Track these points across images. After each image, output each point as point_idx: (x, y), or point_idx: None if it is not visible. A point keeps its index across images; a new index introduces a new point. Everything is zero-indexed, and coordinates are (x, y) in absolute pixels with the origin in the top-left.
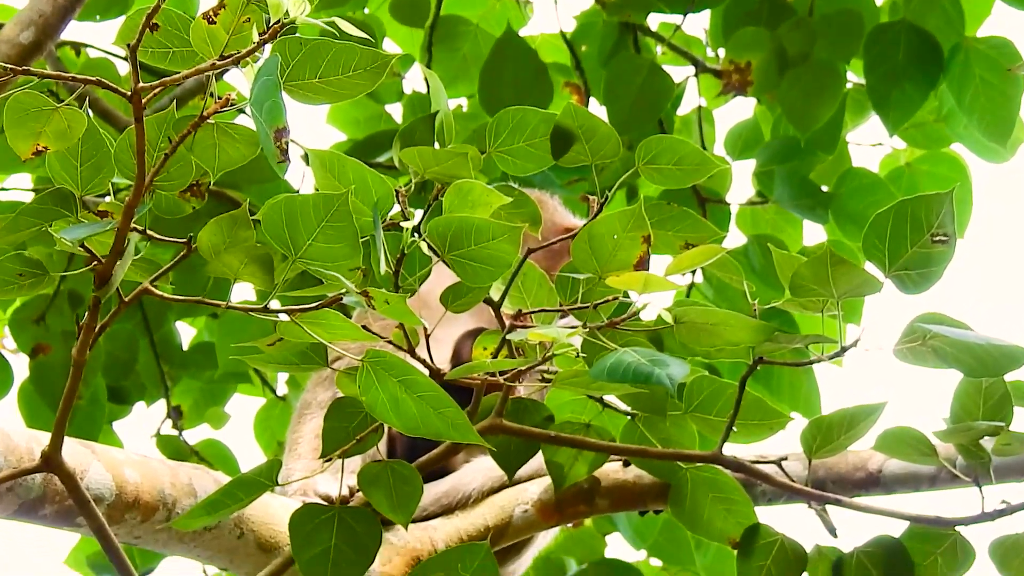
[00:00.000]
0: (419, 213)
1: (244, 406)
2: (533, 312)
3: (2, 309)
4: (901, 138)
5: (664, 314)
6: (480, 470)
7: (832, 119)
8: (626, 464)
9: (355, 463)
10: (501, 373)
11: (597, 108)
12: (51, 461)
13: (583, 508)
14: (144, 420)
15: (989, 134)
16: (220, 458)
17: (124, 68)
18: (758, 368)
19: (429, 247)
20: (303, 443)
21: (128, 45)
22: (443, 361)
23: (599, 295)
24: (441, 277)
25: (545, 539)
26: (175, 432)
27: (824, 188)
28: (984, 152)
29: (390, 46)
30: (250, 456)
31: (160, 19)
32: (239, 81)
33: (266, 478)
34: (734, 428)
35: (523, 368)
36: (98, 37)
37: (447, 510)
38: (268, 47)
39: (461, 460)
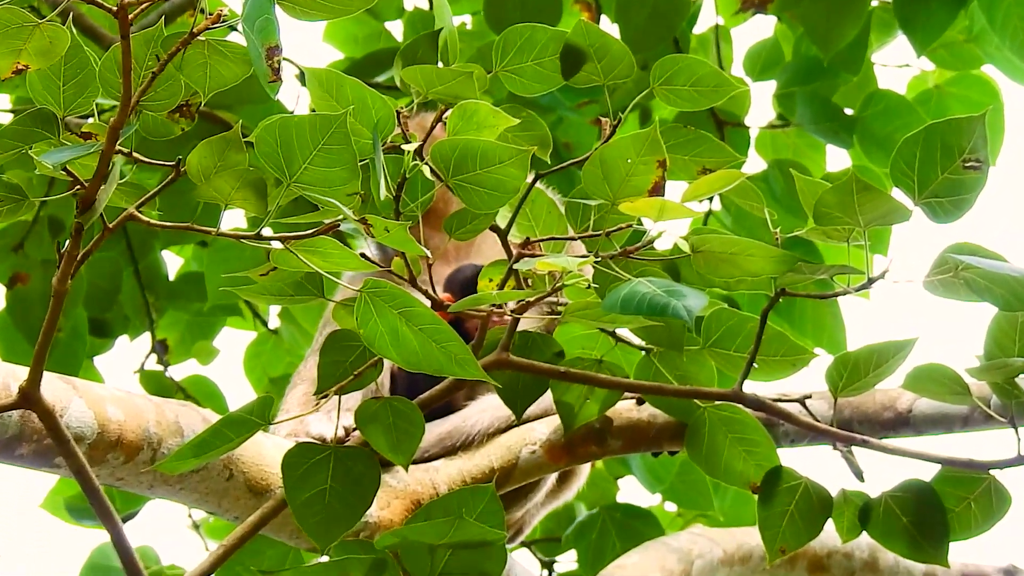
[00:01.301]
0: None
1: (233, 340)
2: (541, 240)
3: None
4: (929, 59)
5: (681, 243)
6: (485, 409)
7: (856, 38)
8: (640, 402)
9: (352, 403)
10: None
11: (608, 26)
12: (29, 397)
13: (594, 449)
14: (126, 355)
15: (1022, 55)
16: (207, 395)
17: None
18: (780, 301)
19: (432, 171)
20: (302, 385)
21: None
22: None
23: (612, 223)
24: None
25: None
26: (160, 367)
27: (848, 111)
28: (1017, 74)
29: None
30: (239, 393)
31: None
32: None
33: (258, 416)
34: (755, 364)
35: (531, 300)
36: None
37: (450, 451)
38: None
39: (464, 399)
